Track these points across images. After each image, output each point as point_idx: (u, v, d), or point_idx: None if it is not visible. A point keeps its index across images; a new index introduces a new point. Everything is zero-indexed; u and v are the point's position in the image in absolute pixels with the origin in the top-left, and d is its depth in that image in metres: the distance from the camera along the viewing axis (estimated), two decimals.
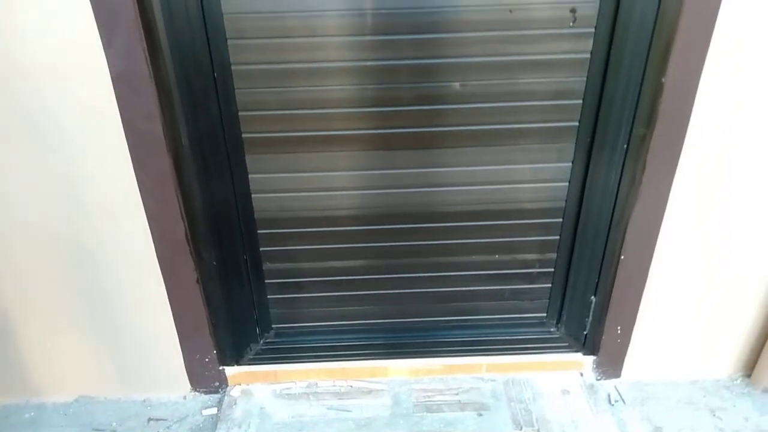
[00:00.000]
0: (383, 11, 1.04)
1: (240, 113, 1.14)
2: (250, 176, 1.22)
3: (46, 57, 1.03)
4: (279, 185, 1.24)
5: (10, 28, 1.01)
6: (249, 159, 1.20)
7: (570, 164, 1.23)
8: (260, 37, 1.07)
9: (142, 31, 1.01)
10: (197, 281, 1.30)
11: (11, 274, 1.29)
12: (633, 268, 1.32)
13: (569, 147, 1.21)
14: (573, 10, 1.06)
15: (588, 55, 1.11)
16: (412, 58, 1.10)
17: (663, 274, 1.35)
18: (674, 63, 1.08)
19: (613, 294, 1.36)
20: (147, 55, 1.04)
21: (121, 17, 0.99)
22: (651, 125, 1.15)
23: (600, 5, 1.05)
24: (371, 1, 1.04)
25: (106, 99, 1.07)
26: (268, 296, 1.40)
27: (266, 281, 1.37)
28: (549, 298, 1.43)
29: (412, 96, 1.14)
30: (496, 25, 1.07)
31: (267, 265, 1.35)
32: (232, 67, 1.09)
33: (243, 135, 1.17)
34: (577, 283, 1.39)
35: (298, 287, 1.39)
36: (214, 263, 1.32)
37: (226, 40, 1.06)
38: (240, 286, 1.38)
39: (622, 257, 1.30)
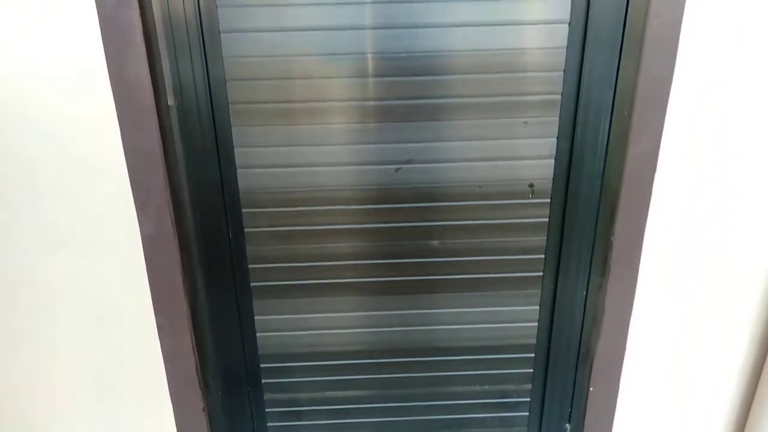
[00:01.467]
0: (383, 187, 1.26)
1: (250, 266, 1.33)
2: (256, 318, 1.39)
3: (84, 232, 1.24)
4: (283, 325, 1.40)
5: (54, 201, 1.23)
6: (256, 304, 1.37)
7: (537, 307, 1.40)
8: (270, 207, 1.27)
9: (171, 203, 1.23)
10: (203, 410, 1.44)
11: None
12: (602, 398, 1.46)
13: (536, 293, 1.38)
14: (531, 185, 1.28)
15: (546, 219, 1.31)
16: (401, 221, 1.30)
17: (631, 402, 1.48)
18: (620, 223, 1.29)
19: (585, 422, 1.49)
20: (173, 220, 1.24)
21: (153, 192, 1.21)
22: (605, 275, 1.34)
23: (554, 181, 1.27)
24: (371, 181, 1.26)
25: (137, 258, 1.26)
26: (268, 424, 1.52)
27: (266, 410, 1.50)
28: (527, 425, 1.54)
29: (402, 251, 1.33)
30: (469, 198, 1.28)
31: (268, 395, 1.48)
32: (245, 230, 1.29)
33: (252, 284, 1.35)
34: (551, 411, 1.52)
35: (298, 416, 1.51)
36: (220, 392, 1.46)
37: (241, 209, 1.27)
38: (242, 414, 1.50)
39: (591, 389, 1.44)
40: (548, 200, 1.29)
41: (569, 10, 1.12)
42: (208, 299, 1.36)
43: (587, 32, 1.14)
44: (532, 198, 1.29)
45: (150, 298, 1.30)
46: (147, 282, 1.30)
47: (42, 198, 1.23)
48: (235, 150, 1.22)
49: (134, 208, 1.23)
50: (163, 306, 1.31)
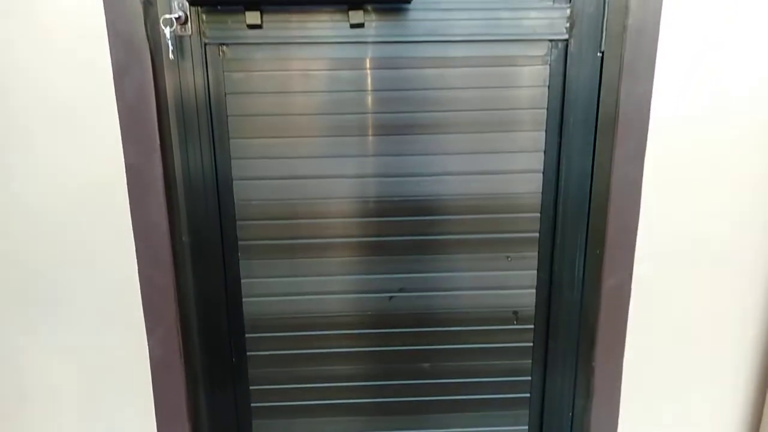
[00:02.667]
0: (378, 313, 1.36)
1: (251, 387, 1.40)
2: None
3: (94, 352, 1.33)
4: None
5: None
6: (256, 424, 1.43)
7: (526, 427, 1.46)
8: (272, 332, 1.36)
9: (179, 329, 1.32)
10: None
11: None
12: None
13: (524, 413, 1.45)
14: (515, 312, 1.37)
15: (531, 344, 1.40)
16: (395, 345, 1.38)
17: None
18: (600, 350, 1.37)
19: None
20: (180, 344, 1.33)
21: (163, 319, 1.30)
22: (590, 397, 1.41)
23: (536, 309, 1.37)
24: (367, 308, 1.36)
25: (144, 378, 1.34)
26: None
27: None
28: None
29: (396, 373, 1.41)
30: (457, 323, 1.37)
31: None
32: (248, 354, 1.37)
33: (252, 405, 1.41)
34: None
35: None
36: None
37: (245, 334, 1.36)
38: None
39: None
40: (532, 326, 1.38)
41: (542, 162, 1.27)
42: (209, 419, 1.41)
43: (559, 181, 1.28)
44: (516, 324, 1.38)
45: (154, 418, 1.36)
46: (153, 403, 1.36)
47: (62, 317, 1.32)
48: (241, 281, 1.33)
49: (144, 332, 1.32)
50: (167, 427, 1.37)
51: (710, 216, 1.30)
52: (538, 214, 1.31)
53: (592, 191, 1.28)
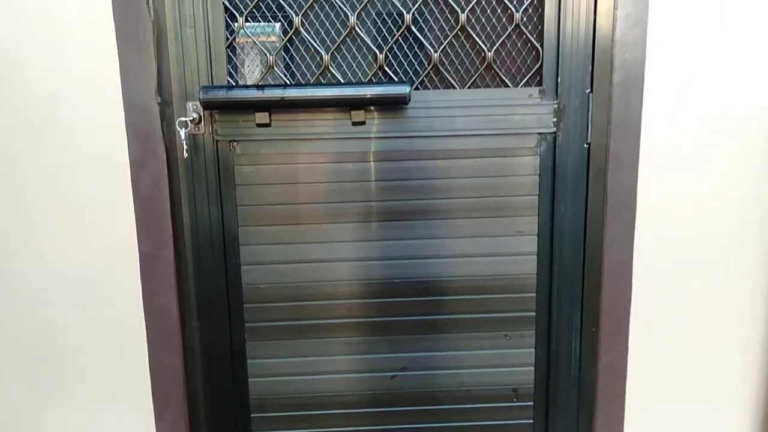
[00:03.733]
0: (381, 392, 1.39)
1: None
2: None
3: None
4: None
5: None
6: None
7: None
8: (277, 411, 1.39)
9: (187, 413, 1.35)
10: None
11: None
12: None
13: None
14: (515, 390, 1.41)
15: (531, 420, 1.42)
16: (397, 424, 1.41)
17: None
18: (598, 426, 1.40)
19: None
20: (188, 428, 1.35)
21: (172, 402, 1.33)
22: None
23: (535, 386, 1.40)
24: (370, 387, 1.39)
25: None
26: None
27: None
28: None
29: None
30: (459, 401, 1.40)
31: None
32: None
33: None
34: None
35: None
36: None
37: (250, 414, 1.39)
38: None
39: None
40: (531, 403, 1.41)
41: (536, 245, 1.34)
42: None
43: (553, 263, 1.34)
44: (516, 401, 1.41)
45: None
46: None
47: (70, 401, 1.35)
48: (248, 361, 1.37)
49: (153, 418, 1.35)
50: None
51: (701, 292, 1.36)
52: (534, 295, 1.36)
53: (585, 272, 1.34)
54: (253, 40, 1.26)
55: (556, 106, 1.28)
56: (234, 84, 1.26)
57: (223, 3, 1.23)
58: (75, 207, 1.27)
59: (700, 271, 1.34)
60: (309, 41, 1.26)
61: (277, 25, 1.27)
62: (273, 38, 1.27)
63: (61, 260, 1.29)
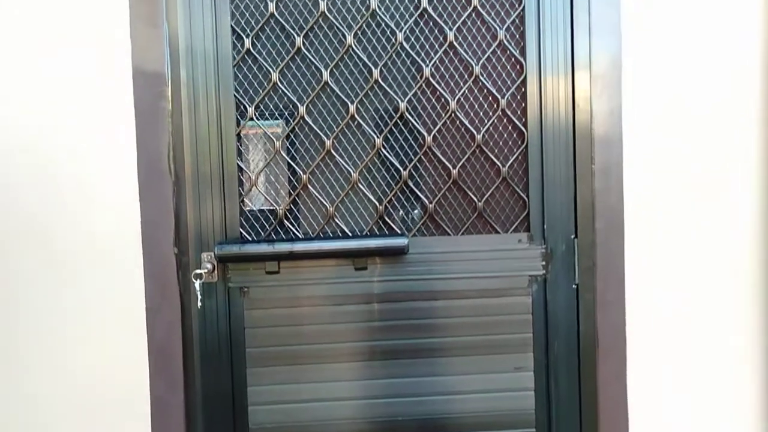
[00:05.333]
0: None
1: None
2: None
3: None
4: None
5: None
6: None
7: None
8: None
9: None
10: None
11: None
12: None
13: None
14: None
15: None
16: None
17: None
18: None
19: None
20: None
21: None
22: None
23: None
24: None
25: None
26: None
27: None
28: None
29: None
30: None
31: None
32: None
33: None
34: None
35: None
36: None
37: None
38: None
39: None
40: None
41: (533, 381, 1.39)
42: None
43: (550, 398, 1.39)
44: None
45: None
46: None
47: None
48: None
49: None
50: None
51: (698, 423, 1.39)
52: (533, 430, 1.39)
53: (582, 408, 1.38)
54: (264, 196, 1.38)
55: (543, 250, 1.38)
56: (245, 238, 1.37)
57: (237, 164, 1.36)
58: (92, 348, 1.33)
59: (694, 403, 1.39)
60: (316, 195, 1.39)
61: (286, 180, 1.40)
62: (283, 194, 1.39)
63: (69, 397, 1.34)
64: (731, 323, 1.39)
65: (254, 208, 1.38)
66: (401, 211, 1.40)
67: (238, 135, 1.36)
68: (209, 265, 1.34)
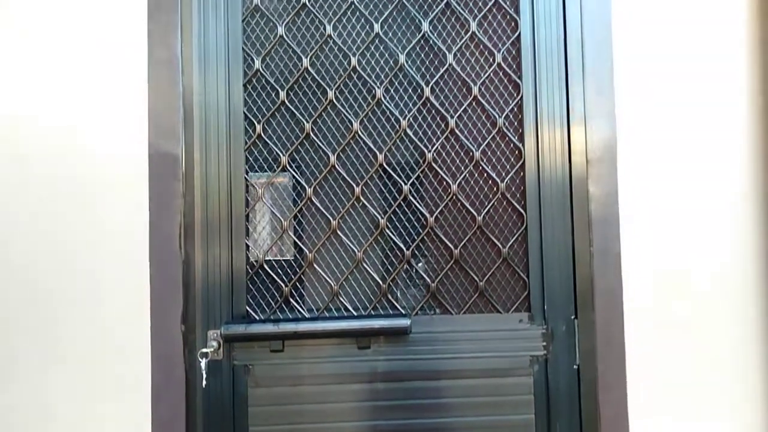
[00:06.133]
0: None
1: None
2: None
3: None
4: None
5: None
6: None
7: None
8: None
9: None
10: None
11: None
12: None
13: None
14: None
15: None
16: None
17: None
18: None
19: None
20: None
21: None
22: None
23: None
24: None
25: None
26: None
27: None
28: None
29: None
30: None
31: None
32: None
33: None
34: None
35: None
36: None
37: None
38: None
39: None
40: None
41: None
42: None
43: None
44: None
45: None
46: None
47: None
48: None
49: None
50: None
51: None
52: None
53: None
54: (272, 275, 1.42)
55: (544, 330, 1.40)
56: (251, 315, 1.40)
57: (246, 243, 1.41)
58: (97, 425, 1.34)
59: None
60: (321, 273, 1.42)
61: (292, 259, 1.44)
62: (289, 272, 1.43)
63: None
64: (734, 408, 1.39)
65: (261, 287, 1.42)
66: (406, 287, 1.43)
67: (247, 216, 1.41)
68: (215, 343, 1.36)
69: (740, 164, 1.41)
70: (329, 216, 1.43)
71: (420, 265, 1.43)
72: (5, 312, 1.35)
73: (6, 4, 1.38)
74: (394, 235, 1.43)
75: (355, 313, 1.41)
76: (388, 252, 1.44)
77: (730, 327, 1.40)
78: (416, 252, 1.44)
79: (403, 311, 1.41)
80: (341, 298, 1.42)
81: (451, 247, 1.43)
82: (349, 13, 1.45)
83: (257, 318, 1.39)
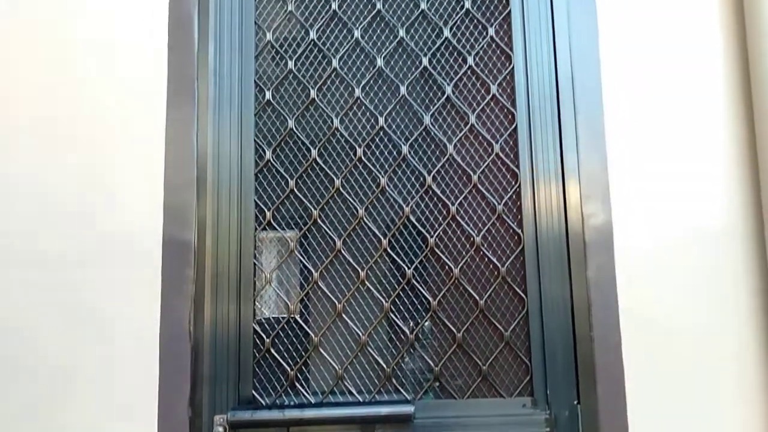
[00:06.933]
0: None
1: None
2: None
3: None
4: None
5: None
6: None
7: None
8: None
9: None
10: None
11: None
12: None
13: None
14: None
15: None
16: None
17: None
18: None
19: None
20: None
21: None
22: None
23: None
24: None
25: None
26: None
27: None
28: None
29: None
30: None
31: None
32: None
33: None
34: None
35: None
36: None
37: None
38: None
39: None
40: None
41: None
42: None
43: None
44: None
45: None
46: None
47: None
48: None
49: None
50: None
51: None
52: None
53: None
54: (278, 360, 1.45)
55: (547, 416, 1.40)
56: (258, 399, 1.42)
57: (254, 327, 1.44)
58: None
59: None
60: (326, 357, 1.45)
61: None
62: (295, 356, 1.46)
63: None
64: None
65: (267, 370, 1.44)
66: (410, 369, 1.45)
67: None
68: (221, 429, 1.37)
69: (739, 235, 1.45)
70: (334, 299, 1.47)
71: (423, 348, 1.46)
72: (15, 406, 1.38)
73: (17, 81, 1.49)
74: (398, 318, 1.47)
75: (359, 398, 1.43)
76: (392, 335, 1.47)
77: (738, 406, 1.40)
78: (420, 336, 1.47)
79: (407, 396, 1.42)
80: (346, 382, 1.44)
81: (454, 330, 1.46)
82: (354, 107, 1.54)
83: (263, 403, 1.41)
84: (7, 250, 1.42)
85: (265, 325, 1.47)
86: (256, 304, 1.46)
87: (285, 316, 1.47)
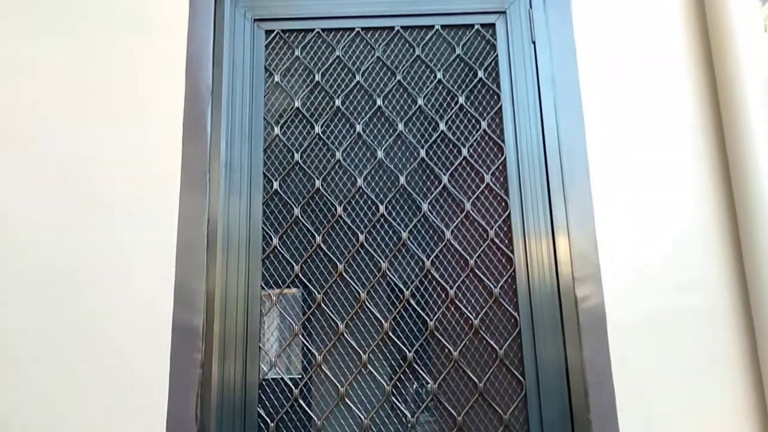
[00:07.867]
0: None
1: None
2: None
3: None
4: None
5: None
6: None
7: None
8: None
9: None
10: None
11: None
12: None
13: None
14: None
15: None
16: None
17: None
18: None
19: None
20: None
21: None
22: None
23: None
24: None
25: None
26: None
27: None
28: None
29: None
30: None
31: None
32: None
33: None
34: None
35: None
36: None
37: None
38: None
39: None
40: None
41: None
42: None
43: None
44: None
45: None
46: None
47: None
48: None
49: None
50: None
51: None
52: None
53: None
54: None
55: None
56: None
57: (258, 411, 1.47)
58: None
59: None
60: None
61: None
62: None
63: None
64: None
65: None
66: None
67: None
68: None
69: (728, 313, 1.51)
70: (337, 383, 1.51)
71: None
72: None
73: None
74: (399, 402, 1.50)
75: None
76: (394, 418, 1.50)
77: None
78: (421, 419, 1.49)
79: None
80: None
81: (455, 414, 1.49)
82: (357, 196, 1.64)
83: None
84: (18, 338, 1.47)
85: (270, 409, 1.50)
86: (262, 385, 1.50)
87: (290, 400, 1.50)
